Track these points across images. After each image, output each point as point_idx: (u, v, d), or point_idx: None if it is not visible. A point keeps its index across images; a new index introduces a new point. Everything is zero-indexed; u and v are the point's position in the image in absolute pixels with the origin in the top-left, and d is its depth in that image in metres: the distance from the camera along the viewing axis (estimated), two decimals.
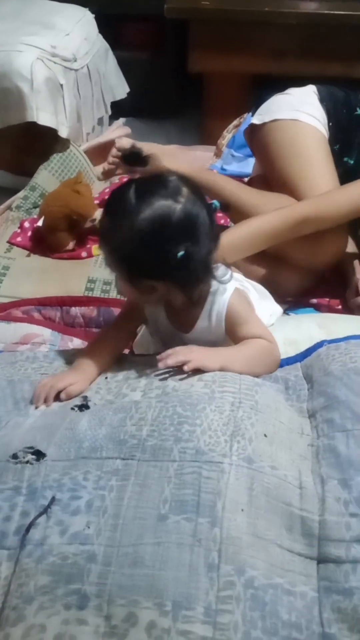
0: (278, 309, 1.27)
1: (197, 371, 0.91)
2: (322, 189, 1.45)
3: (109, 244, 0.93)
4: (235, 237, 1.32)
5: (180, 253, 0.88)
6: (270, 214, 1.38)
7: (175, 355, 0.91)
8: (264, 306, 1.17)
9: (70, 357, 1.04)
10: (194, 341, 1.01)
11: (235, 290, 1.01)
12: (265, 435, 0.81)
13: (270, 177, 1.65)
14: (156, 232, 0.88)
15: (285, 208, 1.39)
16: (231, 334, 1.01)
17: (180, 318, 1.03)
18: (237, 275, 1.09)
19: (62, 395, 0.93)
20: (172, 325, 1.05)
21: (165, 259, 0.89)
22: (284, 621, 0.65)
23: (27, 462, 0.80)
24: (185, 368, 0.90)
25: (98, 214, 1.80)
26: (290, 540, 0.73)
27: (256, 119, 1.66)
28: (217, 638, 0.63)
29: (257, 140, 1.69)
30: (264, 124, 1.64)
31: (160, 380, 0.91)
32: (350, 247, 1.68)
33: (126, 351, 1.18)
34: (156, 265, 0.90)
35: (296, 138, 1.59)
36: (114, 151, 1.67)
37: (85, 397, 0.91)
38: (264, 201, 1.46)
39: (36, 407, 0.92)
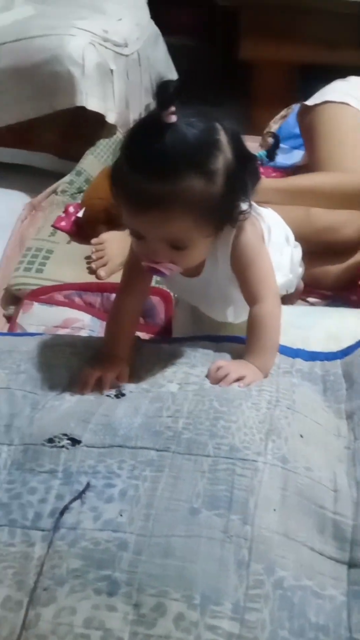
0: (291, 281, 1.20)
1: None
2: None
3: (204, 191, 0.84)
4: (288, 184, 1.31)
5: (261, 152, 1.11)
6: (332, 174, 1.40)
7: (226, 372, 0.90)
8: (285, 252, 1.12)
9: None
10: (205, 285, 0.98)
11: (244, 228, 0.93)
12: (301, 436, 0.81)
13: (313, 159, 1.64)
14: (238, 147, 0.91)
15: (349, 175, 1.38)
16: (238, 274, 0.97)
17: None
18: (262, 211, 1.03)
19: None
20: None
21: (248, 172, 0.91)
22: (312, 623, 0.65)
23: (63, 446, 0.81)
24: (242, 385, 0.89)
25: None
26: (321, 543, 0.72)
27: (309, 101, 1.67)
28: (244, 635, 0.63)
29: (306, 121, 1.69)
30: (315, 105, 1.64)
31: (197, 376, 0.91)
32: None
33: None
34: (246, 184, 0.91)
35: (342, 121, 1.59)
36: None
37: (118, 386, 0.92)
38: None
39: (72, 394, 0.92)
